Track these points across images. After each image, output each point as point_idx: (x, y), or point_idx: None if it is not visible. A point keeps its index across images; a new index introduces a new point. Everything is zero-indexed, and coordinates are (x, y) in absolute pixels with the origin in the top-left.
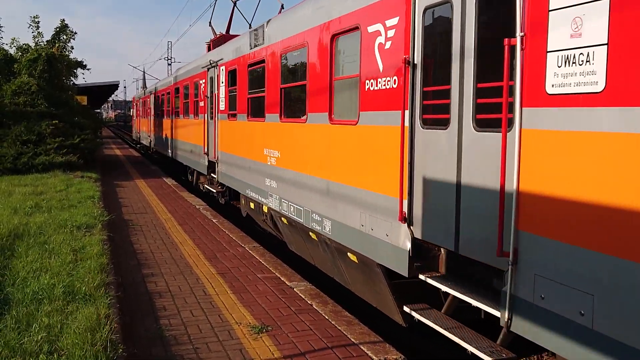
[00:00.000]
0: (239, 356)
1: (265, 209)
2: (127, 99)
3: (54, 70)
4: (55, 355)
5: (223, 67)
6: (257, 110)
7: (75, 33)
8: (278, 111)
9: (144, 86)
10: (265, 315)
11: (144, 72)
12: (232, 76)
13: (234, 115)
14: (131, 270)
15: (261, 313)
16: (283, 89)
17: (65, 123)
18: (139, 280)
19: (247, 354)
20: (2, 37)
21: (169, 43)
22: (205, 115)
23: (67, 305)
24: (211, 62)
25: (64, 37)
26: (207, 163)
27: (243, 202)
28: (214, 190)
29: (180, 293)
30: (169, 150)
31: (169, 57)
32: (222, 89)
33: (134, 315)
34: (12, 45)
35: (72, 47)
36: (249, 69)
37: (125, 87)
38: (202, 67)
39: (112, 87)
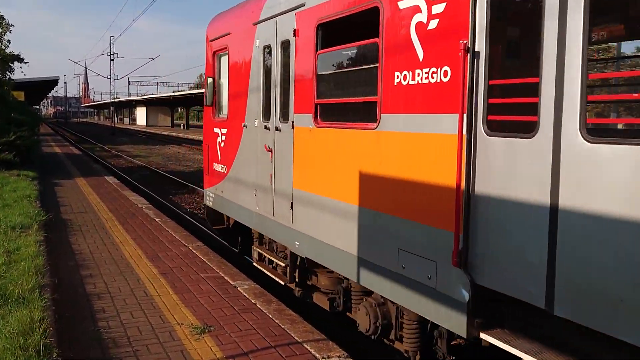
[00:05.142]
0: (180, 357)
1: None
2: (67, 95)
3: None
4: None
5: None
6: None
7: (12, 25)
8: None
9: (86, 82)
10: (207, 316)
11: (85, 67)
12: None
13: None
14: (69, 272)
15: (204, 313)
16: None
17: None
18: (77, 282)
19: (188, 355)
20: None
21: (112, 38)
22: None
23: None
24: None
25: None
26: None
27: None
28: None
29: (120, 294)
30: None
31: (112, 52)
32: None
33: (71, 318)
34: None
35: (9, 41)
36: None
37: (65, 82)
38: None
39: (51, 82)
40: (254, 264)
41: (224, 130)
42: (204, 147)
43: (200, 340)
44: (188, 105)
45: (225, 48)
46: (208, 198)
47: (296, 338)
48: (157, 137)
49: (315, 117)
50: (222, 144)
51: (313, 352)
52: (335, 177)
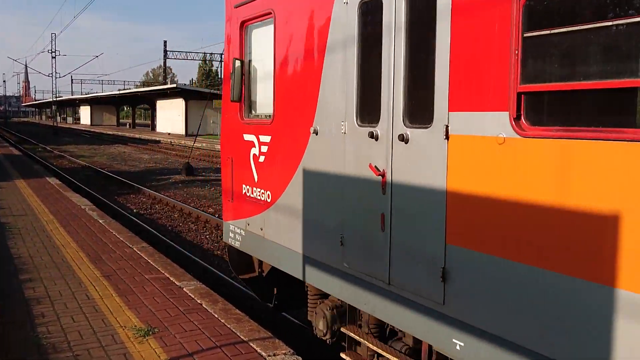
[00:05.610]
0: None
1: None
2: (6, 94)
3: None
4: None
5: None
6: None
7: None
8: None
9: (26, 80)
10: (152, 317)
11: (25, 65)
12: None
13: None
14: (7, 277)
15: (148, 315)
16: None
17: None
18: (15, 287)
19: (131, 358)
20: None
21: (53, 35)
22: None
23: None
24: None
25: None
26: None
27: None
28: None
29: (61, 298)
30: None
31: (53, 50)
32: None
33: (8, 324)
34: None
35: None
36: None
37: (4, 81)
38: None
39: None
40: (343, 356)
41: (266, 138)
42: (224, 162)
43: (144, 343)
44: (134, 104)
45: (269, 14)
46: (232, 235)
47: (242, 337)
48: (102, 136)
49: (518, 118)
50: (263, 159)
51: (259, 351)
52: (593, 236)
